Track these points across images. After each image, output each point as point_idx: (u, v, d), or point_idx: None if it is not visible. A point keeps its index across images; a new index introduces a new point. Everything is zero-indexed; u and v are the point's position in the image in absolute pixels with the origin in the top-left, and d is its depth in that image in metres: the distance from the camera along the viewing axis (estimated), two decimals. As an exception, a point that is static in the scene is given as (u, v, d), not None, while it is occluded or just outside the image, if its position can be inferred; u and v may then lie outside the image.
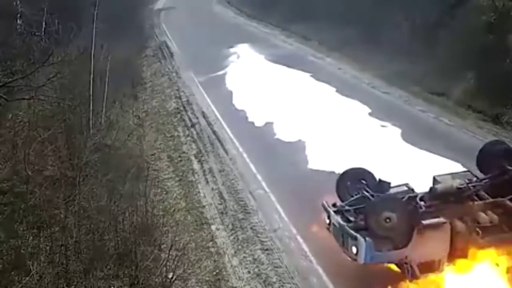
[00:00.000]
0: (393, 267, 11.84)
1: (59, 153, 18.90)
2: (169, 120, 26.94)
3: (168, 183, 19.92)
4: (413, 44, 28.76)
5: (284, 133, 21.33)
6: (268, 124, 22.59)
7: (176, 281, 13.26)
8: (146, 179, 17.95)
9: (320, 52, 36.81)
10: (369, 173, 12.94)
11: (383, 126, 20.89)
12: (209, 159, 21.40)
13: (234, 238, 15.71)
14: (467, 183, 12.09)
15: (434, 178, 12.38)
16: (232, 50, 38.50)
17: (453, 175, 12.54)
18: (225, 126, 24.40)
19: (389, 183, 12.48)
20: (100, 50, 26.41)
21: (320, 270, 13.39)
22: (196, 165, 21.13)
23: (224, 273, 14.17)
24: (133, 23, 44.27)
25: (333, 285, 12.87)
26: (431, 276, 11.51)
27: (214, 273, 14.21)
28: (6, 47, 24.20)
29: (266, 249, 14.79)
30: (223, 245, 15.45)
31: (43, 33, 29.36)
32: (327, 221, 12.35)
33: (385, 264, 11.84)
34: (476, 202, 11.79)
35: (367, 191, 12.36)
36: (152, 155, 22.49)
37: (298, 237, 14.89)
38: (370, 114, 22.25)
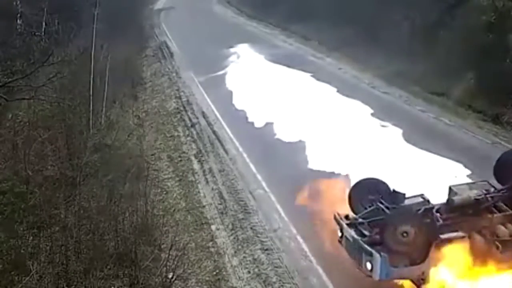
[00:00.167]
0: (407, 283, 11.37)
1: (59, 153, 18.91)
2: (169, 120, 26.91)
3: (168, 183, 19.91)
4: (413, 44, 28.74)
5: (284, 133, 21.26)
6: (268, 124, 22.51)
7: (176, 281, 13.26)
8: (146, 179, 17.97)
9: (320, 52, 36.78)
10: (383, 183, 12.36)
11: (383, 126, 20.85)
12: (209, 159, 21.38)
13: (234, 238, 15.70)
14: (485, 194, 11.69)
15: (450, 188, 11.93)
16: (232, 50, 38.41)
17: (470, 185, 12.22)
18: (225, 126, 24.37)
19: (403, 194, 11.87)
20: (100, 50, 26.44)
21: (320, 270, 13.38)
22: (196, 165, 21.12)
23: (224, 273, 14.17)
24: (133, 23, 44.32)
25: (333, 285, 12.85)
26: None
27: (214, 273, 14.20)
28: (6, 47, 24.26)
29: (266, 249, 14.78)
30: (223, 245, 15.44)
31: (43, 33, 29.40)
32: (339, 233, 11.86)
33: (399, 281, 11.41)
34: (495, 215, 11.39)
35: (382, 203, 11.81)
36: (152, 155, 22.47)
37: (298, 237, 14.88)
38: (370, 114, 22.21)
